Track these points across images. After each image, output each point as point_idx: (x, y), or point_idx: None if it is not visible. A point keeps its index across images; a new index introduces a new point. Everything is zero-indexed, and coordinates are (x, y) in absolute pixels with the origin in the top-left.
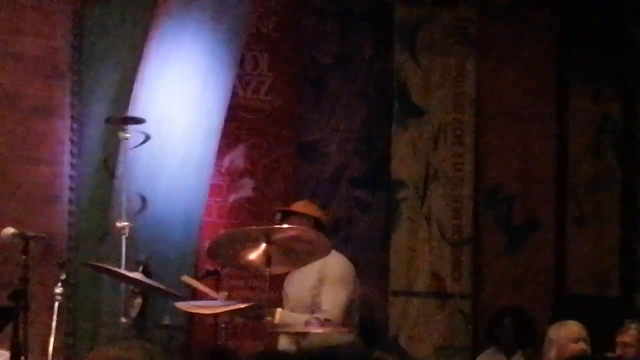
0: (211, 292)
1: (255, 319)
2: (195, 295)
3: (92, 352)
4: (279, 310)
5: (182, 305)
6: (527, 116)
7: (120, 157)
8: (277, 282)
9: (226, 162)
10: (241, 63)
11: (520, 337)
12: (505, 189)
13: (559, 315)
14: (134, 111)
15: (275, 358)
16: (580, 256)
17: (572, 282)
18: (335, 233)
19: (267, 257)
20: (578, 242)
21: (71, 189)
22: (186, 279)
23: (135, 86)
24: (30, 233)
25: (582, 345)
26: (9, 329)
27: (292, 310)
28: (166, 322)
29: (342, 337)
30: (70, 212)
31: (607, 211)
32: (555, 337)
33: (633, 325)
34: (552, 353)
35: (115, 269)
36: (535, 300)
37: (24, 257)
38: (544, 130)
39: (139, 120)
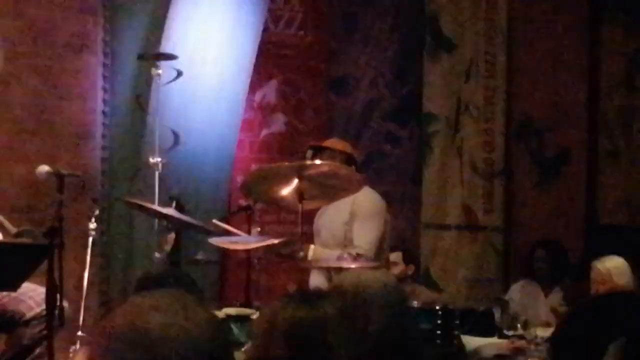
0: (241, 234)
1: (287, 254)
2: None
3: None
4: (311, 246)
5: (215, 240)
6: (559, 49)
7: (153, 93)
8: (309, 217)
9: (258, 97)
10: None
11: (554, 270)
12: (536, 121)
13: (591, 246)
14: (166, 47)
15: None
16: (612, 187)
17: (604, 213)
18: (366, 167)
19: (300, 193)
20: (609, 173)
21: (104, 125)
22: (216, 222)
23: (167, 22)
24: (64, 171)
25: (627, 280)
26: (44, 265)
27: (324, 246)
28: (199, 257)
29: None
30: (103, 148)
31: (638, 143)
32: (603, 271)
33: None
34: (598, 287)
35: (149, 204)
36: (567, 232)
37: (59, 194)
38: (576, 62)
39: (171, 57)
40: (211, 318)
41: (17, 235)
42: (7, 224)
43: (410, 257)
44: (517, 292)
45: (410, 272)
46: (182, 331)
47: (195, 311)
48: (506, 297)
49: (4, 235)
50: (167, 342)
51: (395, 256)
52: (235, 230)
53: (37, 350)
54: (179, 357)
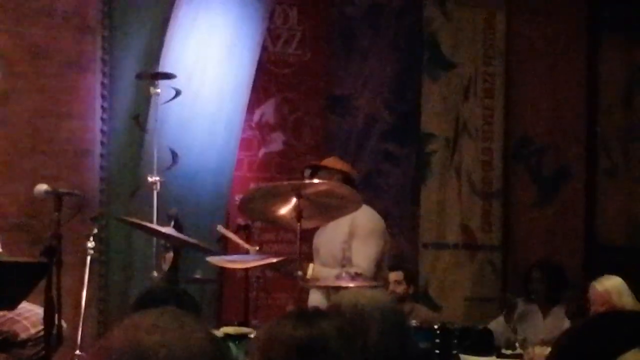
0: (244, 244)
1: (286, 273)
2: (227, 248)
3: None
4: (311, 265)
5: (213, 259)
6: (557, 67)
7: (151, 112)
8: (308, 236)
9: (256, 116)
10: (271, 17)
11: (551, 290)
12: (535, 140)
13: (590, 266)
14: (164, 66)
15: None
16: (611, 207)
17: (603, 233)
18: (365, 186)
19: (298, 212)
20: (609, 193)
21: (102, 143)
22: (221, 229)
23: (165, 41)
24: (63, 190)
25: (626, 299)
26: (42, 284)
27: (323, 264)
28: (198, 275)
29: (373, 291)
30: (101, 167)
31: (637, 162)
32: (602, 291)
33: None
34: (597, 308)
35: (147, 223)
36: (566, 252)
37: (57, 213)
38: (574, 81)
39: (169, 76)
40: (209, 336)
41: None
42: None
43: (410, 277)
44: (519, 309)
45: (410, 292)
46: (180, 350)
47: (193, 329)
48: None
49: None
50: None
51: (397, 275)
52: (238, 239)
53: None
54: None
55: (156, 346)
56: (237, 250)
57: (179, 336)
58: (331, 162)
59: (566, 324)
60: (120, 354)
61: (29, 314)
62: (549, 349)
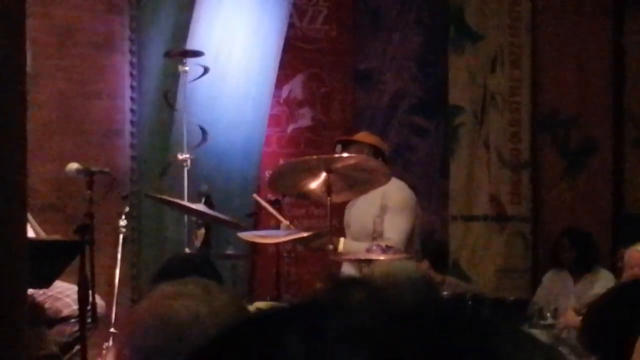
0: (278, 214)
1: (317, 247)
2: (257, 224)
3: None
4: (342, 239)
5: (244, 235)
6: (583, 38)
7: (180, 90)
8: (338, 210)
9: (284, 92)
10: None
11: (581, 258)
12: (562, 112)
13: (618, 235)
14: (192, 44)
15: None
16: (638, 177)
17: (631, 202)
18: (394, 160)
19: (328, 186)
20: (636, 163)
21: (132, 122)
22: (256, 197)
23: (193, 19)
24: (94, 168)
25: None
26: (75, 262)
27: (354, 238)
28: (229, 252)
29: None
30: (132, 146)
31: None
32: (627, 260)
33: None
34: (625, 275)
35: (178, 200)
36: (594, 222)
37: (89, 191)
38: (601, 52)
39: (197, 53)
40: (234, 301)
41: None
42: (38, 228)
43: (431, 249)
44: (547, 281)
45: (425, 267)
46: (206, 315)
47: (219, 297)
48: (539, 287)
49: None
50: (193, 326)
51: (423, 264)
52: (272, 210)
53: (77, 347)
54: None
55: (182, 311)
56: (267, 225)
57: (204, 302)
58: (362, 136)
59: (597, 290)
60: (148, 324)
61: (70, 292)
62: (578, 318)
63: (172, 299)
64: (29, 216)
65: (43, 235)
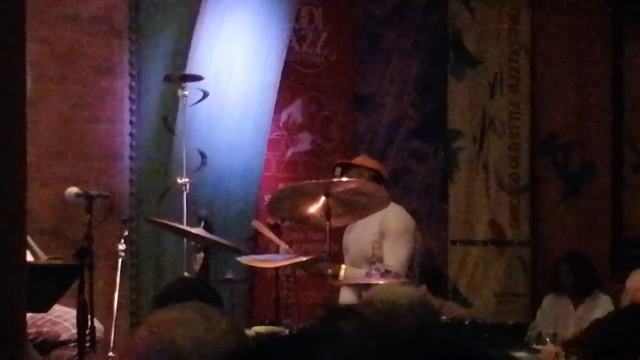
0: (277, 239)
1: (316, 272)
2: (256, 248)
3: (147, 317)
4: (344, 266)
5: (244, 259)
6: (582, 62)
7: (179, 114)
8: (337, 234)
9: (284, 116)
10: (296, 18)
11: (580, 283)
12: (561, 136)
13: (618, 261)
14: (191, 68)
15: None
16: (637, 202)
17: (630, 227)
18: (393, 184)
19: (327, 211)
20: (635, 187)
21: (131, 146)
22: (255, 223)
23: (192, 43)
24: (93, 192)
25: None
26: (74, 286)
27: (353, 263)
28: (228, 276)
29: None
30: (131, 170)
31: None
32: (629, 285)
33: None
34: (626, 300)
35: (177, 225)
36: (593, 246)
37: (88, 215)
38: (600, 76)
39: (197, 78)
40: (235, 328)
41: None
42: (38, 250)
43: (437, 277)
44: (547, 305)
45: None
46: (207, 342)
47: (219, 322)
48: (539, 311)
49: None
50: (193, 352)
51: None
52: (271, 234)
53: None
54: None
55: (182, 339)
56: (266, 249)
57: (204, 328)
58: (361, 160)
59: (598, 315)
60: (148, 351)
61: (69, 316)
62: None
63: (171, 326)
64: (29, 238)
65: (43, 257)
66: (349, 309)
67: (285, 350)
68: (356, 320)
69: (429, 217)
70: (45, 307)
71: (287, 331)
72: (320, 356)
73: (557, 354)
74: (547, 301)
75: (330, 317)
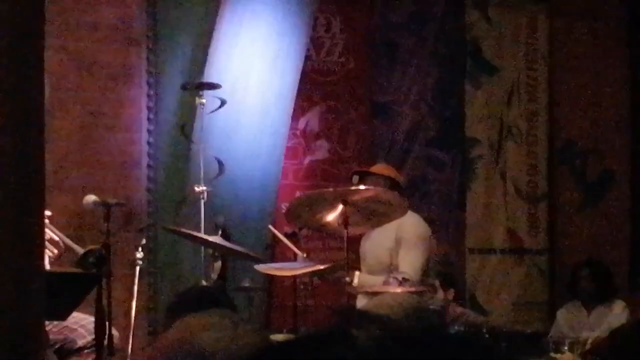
0: (294, 247)
1: (333, 280)
2: (274, 256)
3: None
4: (357, 273)
5: (261, 267)
6: (600, 70)
7: (197, 123)
8: (355, 242)
9: (301, 124)
10: (314, 26)
11: (599, 289)
12: (579, 143)
13: (636, 268)
14: (209, 77)
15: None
16: None
17: None
18: (410, 192)
19: (345, 219)
20: None
21: (149, 155)
22: (272, 229)
23: (209, 52)
24: (111, 200)
25: None
26: (93, 294)
27: (370, 271)
28: (246, 284)
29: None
30: (149, 178)
31: None
32: None
33: None
34: None
35: (195, 233)
36: (612, 254)
37: (106, 224)
38: (617, 84)
39: (214, 86)
40: (260, 333)
41: (85, 255)
42: (74, 245)
43: (450, 281)
44: (564, 315)
45: (450, 297)
46: (235, 347)
47: (245, 327)
48: (555, 322)
49: (71, 256)
50: (219, 355)
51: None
52: (288, 242)
53: None
54: None
55: (210, 342)
56: (284, 257)
57: (231, 332)
58: (378, 168)
59: (612, 320)
60: (175, 352)
61: (85, 322)
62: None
63: (199, 330)
64: (63, 236)
65: (79, 250)
66: (364, 313)
67: (300, 351)
68: (371, 325)
69: (447, 226)
70: (63, 315)
71: None
72: (334, 357)
73: None
74: (561, 315)
75: (345, 320)
